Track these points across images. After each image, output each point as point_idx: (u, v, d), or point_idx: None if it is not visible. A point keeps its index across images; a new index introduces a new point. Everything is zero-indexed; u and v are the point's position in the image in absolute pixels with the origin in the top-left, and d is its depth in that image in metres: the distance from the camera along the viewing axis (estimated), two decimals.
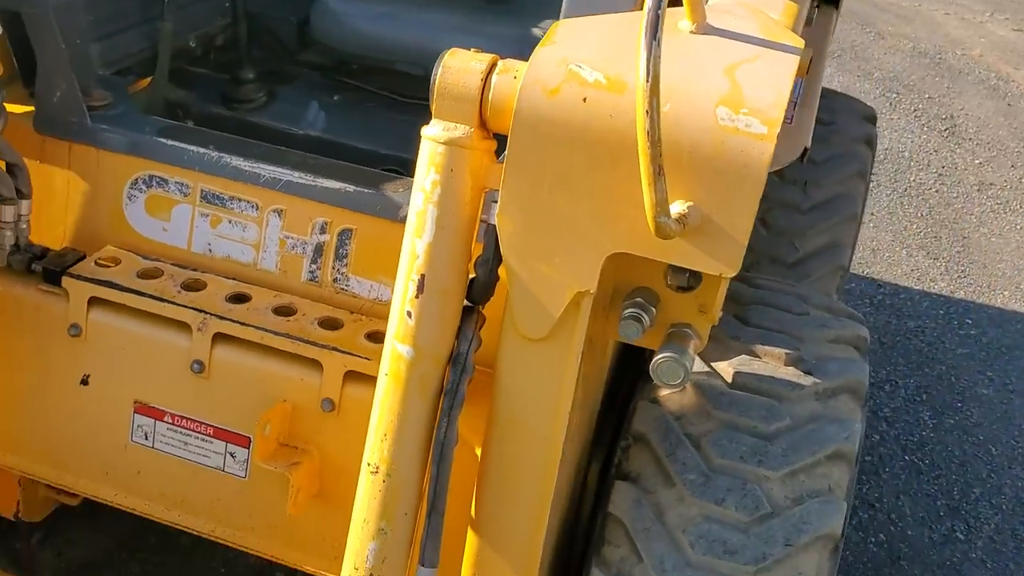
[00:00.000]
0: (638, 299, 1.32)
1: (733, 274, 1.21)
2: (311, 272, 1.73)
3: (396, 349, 1.35)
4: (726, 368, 1.58)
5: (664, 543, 1.45)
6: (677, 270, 1.31)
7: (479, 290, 1.37)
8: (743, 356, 1.60)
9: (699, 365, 1.59)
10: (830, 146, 2.67)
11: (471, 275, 1.37)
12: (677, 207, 1.17)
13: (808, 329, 1.68)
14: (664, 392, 1.59)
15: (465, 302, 1.39)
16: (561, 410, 1.36)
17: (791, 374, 1.57)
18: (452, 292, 1.34)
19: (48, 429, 1.79)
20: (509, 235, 1.28)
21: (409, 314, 1.33)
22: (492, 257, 1.33)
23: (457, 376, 1.35)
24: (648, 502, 1.49)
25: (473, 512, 1.46)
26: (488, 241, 1.32)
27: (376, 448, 1.38)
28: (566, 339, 1.32)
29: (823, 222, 2.54)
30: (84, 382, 1.74)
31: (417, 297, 1.32)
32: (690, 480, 1.47)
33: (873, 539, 2.83)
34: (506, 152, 1.24)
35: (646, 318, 1.30)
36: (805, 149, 1.82)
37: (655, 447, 1.52)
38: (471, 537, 1.47)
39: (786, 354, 1.59)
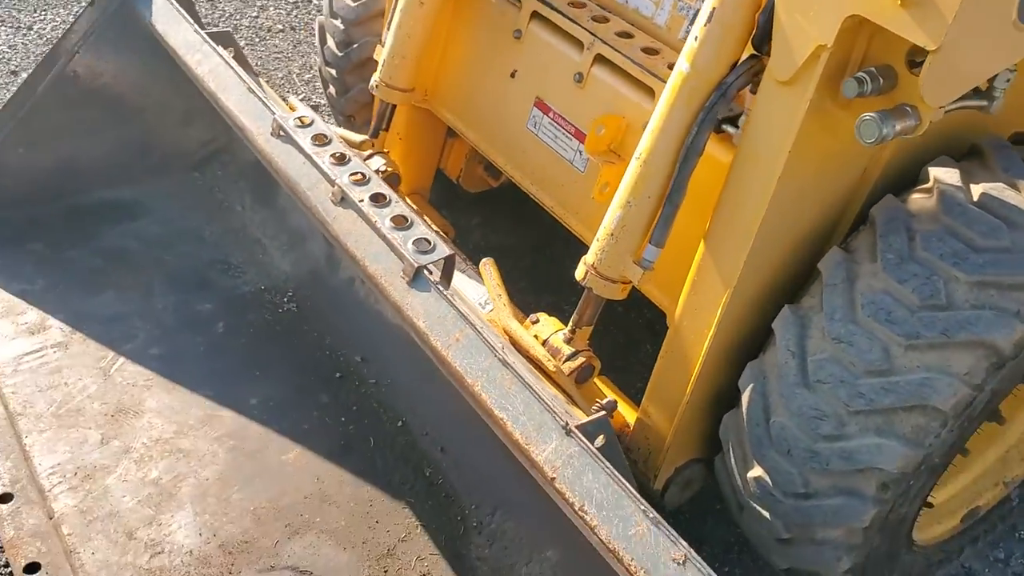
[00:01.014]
0: (872, 68, 1.53)
1: (934, 47, 1.39)
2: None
3: (680, 65, 1.73)
4: (977, 187, 1.69)
5: (842, 299, 1.68)
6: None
7: (759, 37, 1.68)
8: (1001, 184, 1.69)
9: (954, 179, 1.72)
10: None
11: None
12: None
13: None
14: (915, 195, 1.75)
15: (751, 51, 1.72)
16: (783, 145, 1.64)
17: None
18: (734, 29, 1.68)
19: (485, 107, 2.48)
20: None
21: (696, 38, 1.70)
22: (771, 8, 1.63)
23: (716, 99, 1.70)
24: (847, 267, 1.71)
25: (708, 224, 1.83)
26: None
27: (644, 141, 1.80)
28: (803, 86, 1.60)
29: None
30: (512, 75, 2.38)
31: (705, 25, 1.69)
32: (888, 259, 1.66)
33: None
34: None
35: (868, 84, 1.52)
36: None
37: (877, 228, 1.72)
38: (702, 243, 1.84)
39: None
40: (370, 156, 2.48)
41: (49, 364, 2.38)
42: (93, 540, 1.99)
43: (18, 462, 2.13)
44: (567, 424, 1.52)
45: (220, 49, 2.42)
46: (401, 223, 1.91)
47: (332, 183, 2.02)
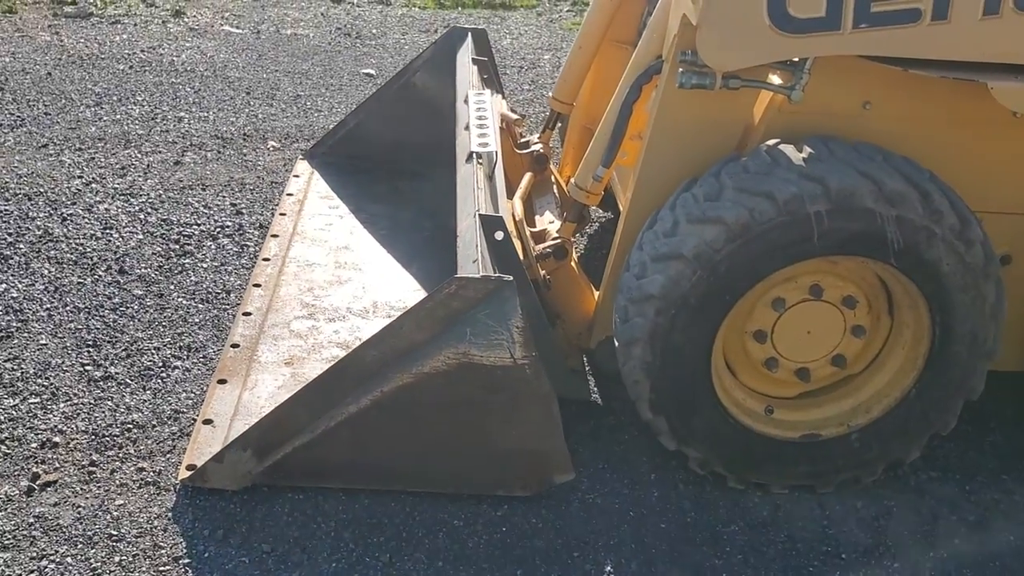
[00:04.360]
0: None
1: (694, 23, 2.41)
2: None
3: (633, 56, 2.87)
4: (777, 146, 2.56)
5: (673, 199, 2.63)
6: None
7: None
8: (792, 147, 2.54)
9: (772, 143, 2.60)
10: None
11: None
12: None
13: None
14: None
15: None
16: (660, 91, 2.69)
17: None
18: (657, 30, 2.78)
19: None
20: None
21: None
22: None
23: (642, 75, 2.79)
24: (690, 182, 2.67)
25: None
26: None
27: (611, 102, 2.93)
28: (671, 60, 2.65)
29: None
30: None
31: (643, 32, 2.82)
32: (704, 176, 2.60)
33: None
34: None
35: (688, 54, 2.54)
36: None
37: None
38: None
39: None
40: (536, 141, 3.82)
41: (330, 223, 4.05)
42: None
43: (284, 243, 3.79)
44: (477, 211, 2.71)
45: (475, 72, 3.97)
46: (483, 138, 3.23)
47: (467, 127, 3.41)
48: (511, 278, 2.42)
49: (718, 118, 2.69)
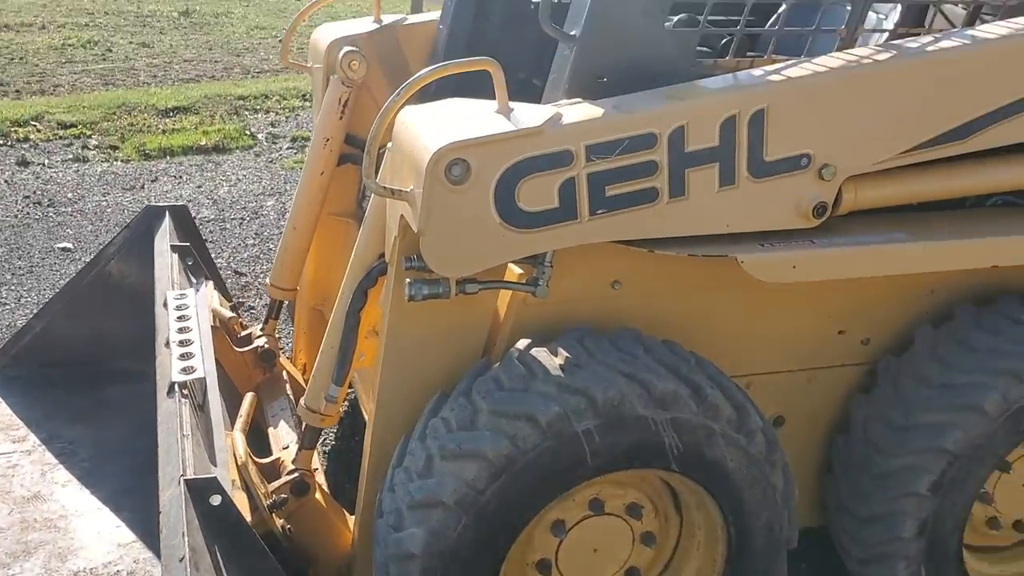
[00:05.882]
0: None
1: (415, 231, 2.04)
2: None
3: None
4: (529, 350, 2.23)
5: (422, 424, 2.23)
6: None
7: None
8: (545, 350, 2.22)
9: (522, 345, 2.27)
10: None
11: None
12: None
13: None
14: None
15: None
16: (388, 299, 2.30)
17: None
18: (376, 230, 2.40)
19: None
20: None
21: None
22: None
23: (364, 279, 2.40)
24: (439, 401, 2.27)
25: None
26: None
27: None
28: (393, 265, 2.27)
29: None
30: None
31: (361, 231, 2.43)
32: (454, 395, 2.22)
33: None
34: None
35: (413, 262, 2.17)
36: None
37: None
38: None
39: None
40: (259, 334, 3.32)
41: (14, 464, 3.30)
42: None
43: None
44: (181, 476, 2.17)
45: (176, 261, 3.42)
46: (187, 360, 2.69)
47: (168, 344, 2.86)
48: None
49: (459, 323, 2.34)
